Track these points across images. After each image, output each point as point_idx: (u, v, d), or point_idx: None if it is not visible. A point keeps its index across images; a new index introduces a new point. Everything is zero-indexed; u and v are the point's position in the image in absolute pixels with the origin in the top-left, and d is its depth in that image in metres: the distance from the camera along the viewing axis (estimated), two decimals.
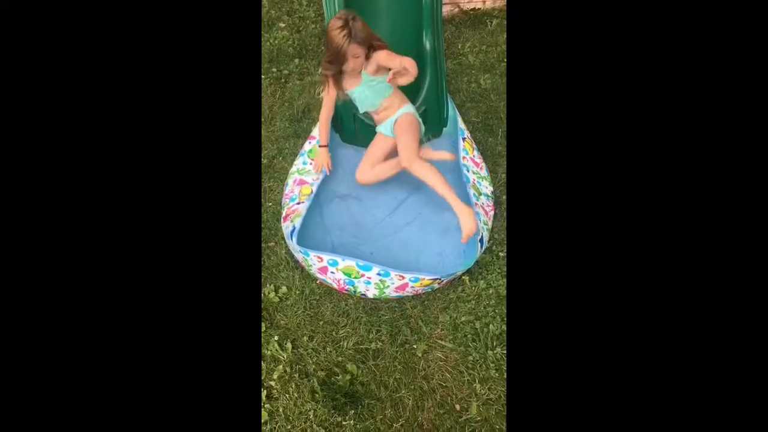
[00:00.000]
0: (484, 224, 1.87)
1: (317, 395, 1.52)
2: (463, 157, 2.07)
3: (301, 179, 2.01)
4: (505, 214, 1.99)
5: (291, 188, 1.99)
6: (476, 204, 1.91)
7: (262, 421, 1.49)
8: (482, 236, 1.83)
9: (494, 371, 1.58)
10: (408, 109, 2.01)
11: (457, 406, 1.52)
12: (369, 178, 2.05)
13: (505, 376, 1.56)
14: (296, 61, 2.85)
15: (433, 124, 2.31)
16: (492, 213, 1.95)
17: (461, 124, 2.21)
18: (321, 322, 1.72)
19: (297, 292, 1.80)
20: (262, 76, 2.73)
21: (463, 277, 1.82)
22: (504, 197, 2.08)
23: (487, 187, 2.01)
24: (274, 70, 2.78)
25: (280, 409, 1.51)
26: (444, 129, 2.34)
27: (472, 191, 1.94)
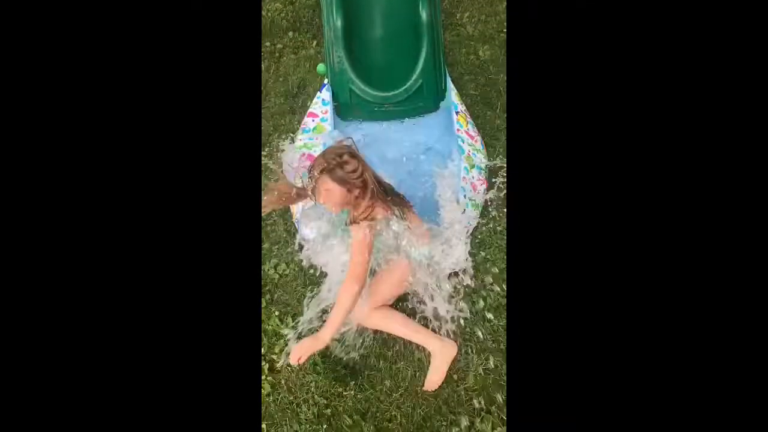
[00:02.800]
0: (470, 200, 1.91)
1: (318, 367, 1.60)
2: (458, 129, 2.10)
3: (309, 154, 2.02)
4: (501, 187, 2.03)
5: (301, 163, 2.00)
6: (464, 178, 1.95)
7: (266, 392, 1.57)
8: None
9: (491, 342, 1.65)
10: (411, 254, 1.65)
11: (455, 376, 1.60)
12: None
13: (501, 347, 1.64)
14: (290, 34, 2.84)
15: (430, 98, 2.33)
16: (483, 187, 1.99)
17: (455, 99, 2.24)
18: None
19: (296, 268, 1.86)
20: None
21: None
22: (502, 171, 2.12)
23: (481, 161, 2.04)
24: (268, 44, 2.78)
25: (282, 381, 1.59)
26: (441, 102, 2.36)
27: (464, 164, 1.98)
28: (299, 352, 1.47)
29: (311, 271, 1.85)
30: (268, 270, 1.86)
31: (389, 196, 1.58)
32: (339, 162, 1.49)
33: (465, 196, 1.90)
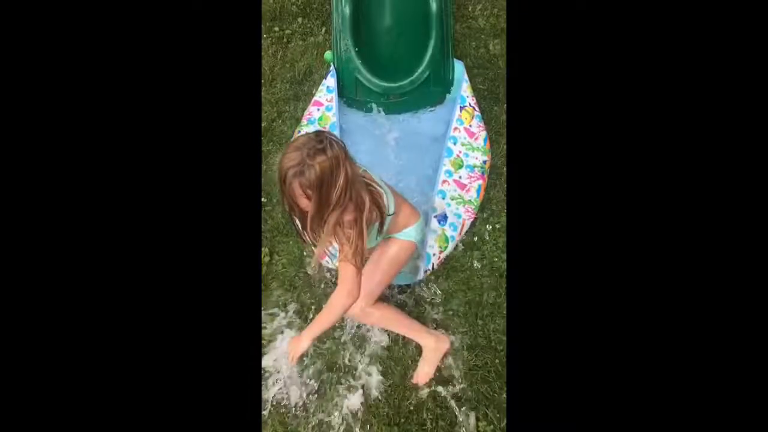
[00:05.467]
0: (452, 198, 1.94)
1: (306, 360, 1.63)
2: (455, 128, 2.10)
3: None
4: (503, 185, 2.04)
5: None
6: (444, 180, 1.97)
7: None
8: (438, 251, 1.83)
9: (482, 339, 1.67)
10: (405, 235, 1.55)
11: (445, 372, 1.62)
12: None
13: (492, 344, 1.65)
14: (299, 20, 2.85)
15: (436, 90, 2.33)
16: (477, 183, 2.00)
17: (464, 92, 2.23)
18: (313, 286, 1.81)
19: (291, 256, 1.89)
20: (264, 36, 2.75)
21: (458, 247, 1.89)
22: (505, 168, 2.12)
23: (477, 158, 2.04)
24: (276, 29, 2.79)
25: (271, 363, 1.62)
26: (447, 95, 2.36)
27: (444, 168, 2.00)
28: (291, 353, 1.47)
29: (306, 260, 1.88)
30: (264, 257, 1.88)
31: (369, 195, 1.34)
32: (311, 154, 1.20)
33: (445, 197, 1.95)
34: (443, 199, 1.94)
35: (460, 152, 2.06)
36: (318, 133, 1.26)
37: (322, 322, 1.43)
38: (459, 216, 1.91)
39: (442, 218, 1.89)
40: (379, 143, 2.23)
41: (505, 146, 2.19)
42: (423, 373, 1.60)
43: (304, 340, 1.44)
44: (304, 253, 1.89)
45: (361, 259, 1.36)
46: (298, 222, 1.36)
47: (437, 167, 2.03)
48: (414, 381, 1.60)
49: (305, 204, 1.26)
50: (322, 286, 1.80)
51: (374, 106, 2.32)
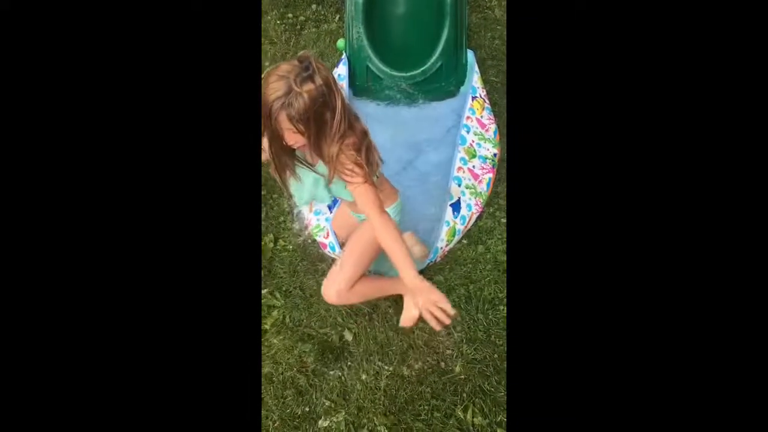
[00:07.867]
0: (467, 188, 1.95)
1: (307, 345, 1.66)
2: (467, 117, 2.10)
3: None
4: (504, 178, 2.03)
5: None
6: (459, 168, 1.97)
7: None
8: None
9: (482, 333, 1.67)
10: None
11: (442, 364, 1.63)
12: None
13: (491, 339, 1.66)
14: (314, 6, 2.86)
15: (449, 82, 2.33)
16: (488, 176, 2.01)
17: (476, 83, 2.22)
18: (317, 275, 1.84)
19: (295, 243, 1.91)
20: (277, 22, 2.77)
21: (462, 240, 1.90)
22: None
23: (489, 150, 2.04)
24: (290, 15, 2.81)
25: (271, 352, 1.65)
26: (461, 88, 2.36)
27: (459, 155, 2.00)
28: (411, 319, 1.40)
29: (310, 248, 1.90)
30: (267, 242, 1.91)
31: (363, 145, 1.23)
32: (297, 82, 1.09)
33: (460, 184, 1.95)
34: (459, 186, 1.95)
35: (473, 141, 2.06)
36: (302, 58, 1.12)
37: (399, 257, 1.19)
38: (470, 208, 1.91)
39: (456, 207, 1.89)
40: (389, 133, 2.24)
41: None
42: (408, 317, 1.63)
43: (415, 280, 1.18)
44: (302, 238, 1.92)
45: (373, 177, 1.24)
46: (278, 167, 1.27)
47: (452, 155, 2.03)
48: (401, 325, 1.63)
49: (293, 140, 1.17)
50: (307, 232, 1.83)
51: (385, 94, 2.33)
